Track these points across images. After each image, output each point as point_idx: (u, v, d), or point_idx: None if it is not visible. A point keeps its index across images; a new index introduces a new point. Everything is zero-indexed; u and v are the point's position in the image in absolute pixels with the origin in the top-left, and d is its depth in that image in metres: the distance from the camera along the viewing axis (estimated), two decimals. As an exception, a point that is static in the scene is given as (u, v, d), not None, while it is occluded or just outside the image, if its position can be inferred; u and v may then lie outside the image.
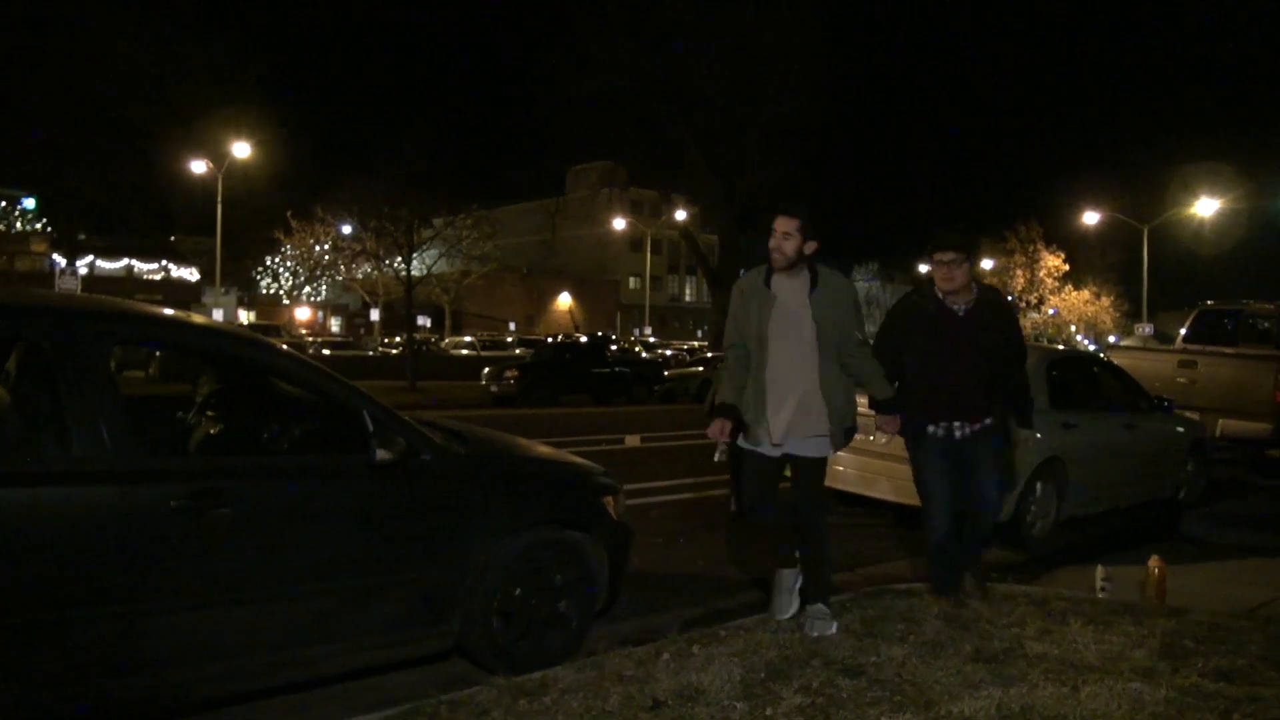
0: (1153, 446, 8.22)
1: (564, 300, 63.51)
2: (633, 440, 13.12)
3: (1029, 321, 57.58)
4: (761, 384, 4.10)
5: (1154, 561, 5.02)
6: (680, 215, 39.26)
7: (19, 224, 53.48)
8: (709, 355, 29.34)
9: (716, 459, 4.26)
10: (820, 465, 4.22)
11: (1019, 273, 57.57)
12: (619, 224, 50.52)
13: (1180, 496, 8.77)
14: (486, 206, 40.88)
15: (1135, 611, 4.54)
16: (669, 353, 36.64)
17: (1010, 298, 57.34)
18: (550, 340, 33.44)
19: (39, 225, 51.98)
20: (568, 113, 30.03)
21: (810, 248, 4.06)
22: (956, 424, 4.47)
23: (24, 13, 31.32)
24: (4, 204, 52.40)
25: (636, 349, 36.47)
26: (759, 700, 3.28)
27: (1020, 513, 6.70)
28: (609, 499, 4.38)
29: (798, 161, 30.57)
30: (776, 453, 4.14)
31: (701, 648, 3.85)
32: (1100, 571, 5.21)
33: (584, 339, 31.66)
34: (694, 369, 27.22)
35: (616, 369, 24.51)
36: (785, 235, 4.02)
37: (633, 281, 67.14)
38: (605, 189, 38.51)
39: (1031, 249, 57.79)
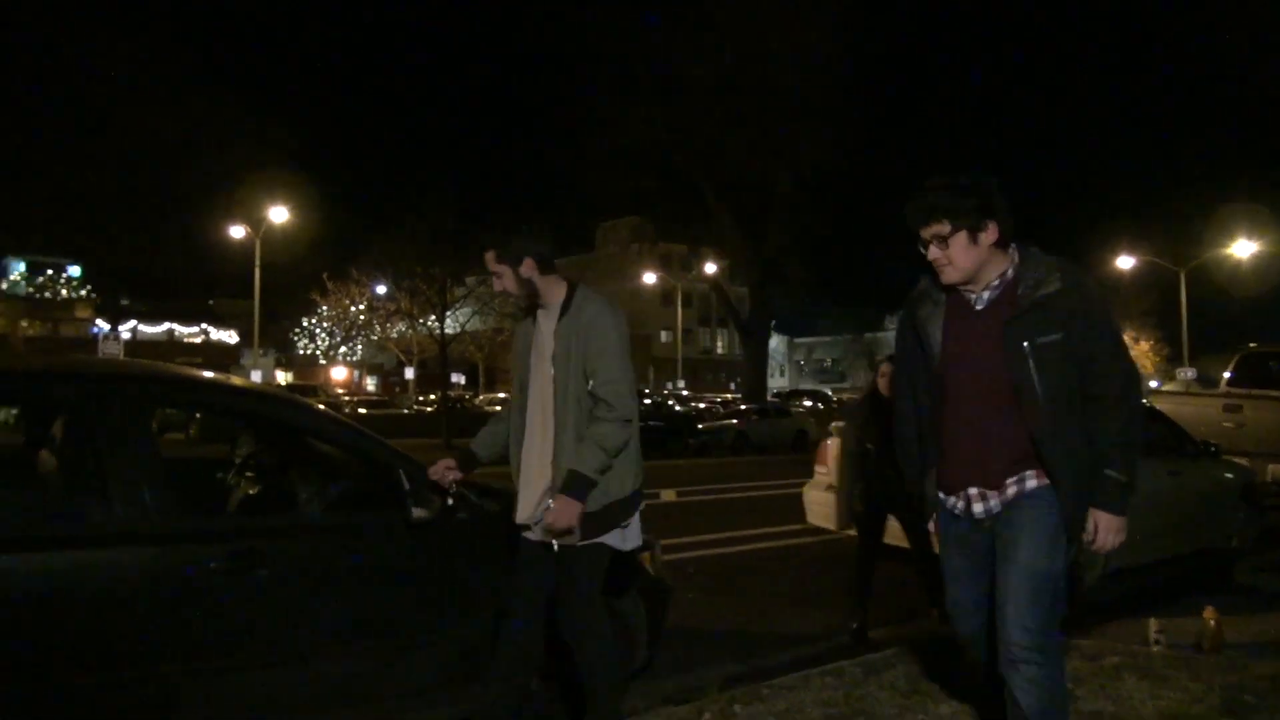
0: (1201, 493, 8.01)
1: (596, 355, 63.67)
2: (668, 494, 13.04)
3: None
4: (518, 444, 3.34)
5: (1209, 613, 4.86)
6: (710, 268, 39.46)
7: (64, 291, 54.94)
8: (743, 408, 29.21)
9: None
10: (576, 556, 3.18)
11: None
12: (649, 278, 50.85)
13: (1233, 544, 8.52)
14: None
15: (1192, 665, 4.39)
16: (702, 405, 36.55)
17: None
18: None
19: (84, 292, 53.38)
20: (593, 169, 30.48)
21: (528, 269, 3.18)
22: (974, 492, 2.80)
23: (67, 91, 32.52)
24: (51, 272, 53.91)
25: (670, 402, 36.41)
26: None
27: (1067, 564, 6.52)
28: (645, 556, 4.33)
29: (825, 211, 30.69)
30: (535, 536, 3.27)
31: (743, 707, 3.77)
32: (1153, 624, 5.05)
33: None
34: (728, 421, 27.10)
35: (650, 423, 24.44)
36: (496, 275, 3.26)
37: (664, 335, 67.33)
38: (634, 244, 38.92)
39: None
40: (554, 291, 3.21)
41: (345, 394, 46.66)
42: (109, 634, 2.90)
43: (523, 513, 3.27)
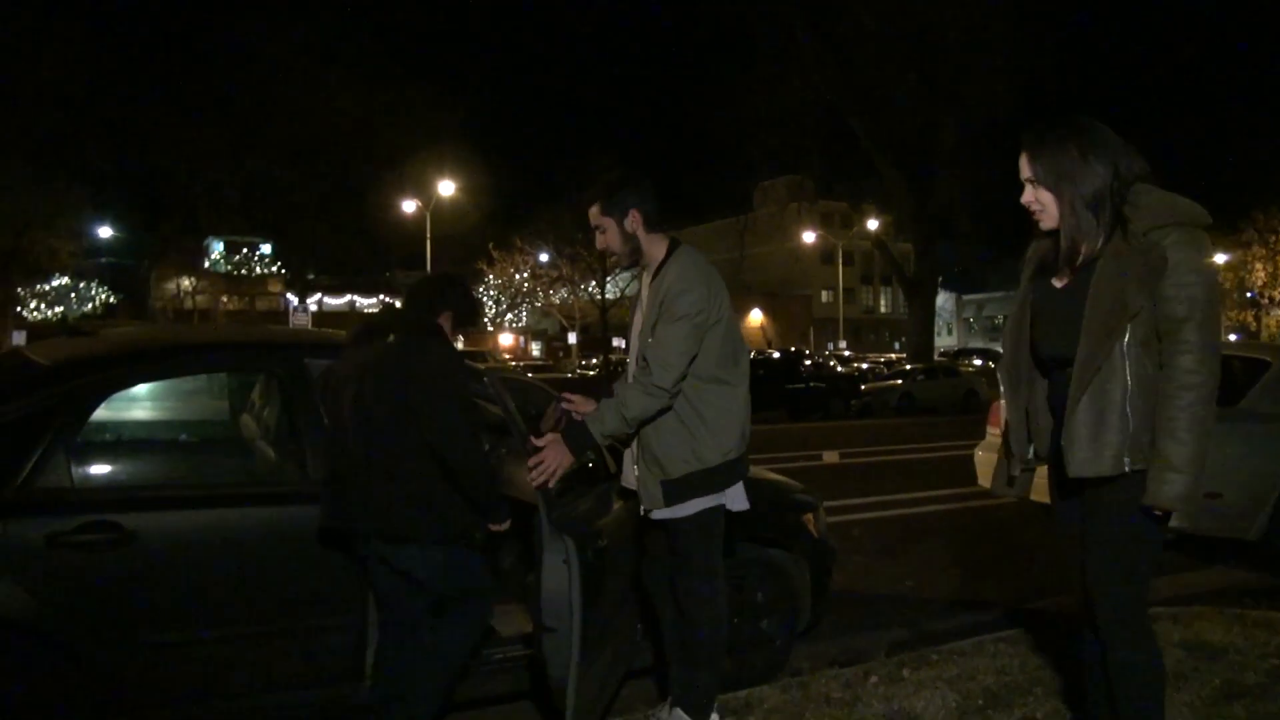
0: None
1: (755, 317, 63.28)
2: (831, 456, 12.86)
3: (1274, 320, 52.01)
4: None
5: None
6: (872, 225, 38.34)
7: (258, 268, 59.24)
8: (908, 367, 28.39)
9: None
10: (678, 526, 2.98)
11: (1258, 266, 52.12)
12: (808, 237, 49.88)
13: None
14: (675, 227, 41.27)
15: None
16: (865, 366, 35.72)
17: (1249, 294, 51.97)
18: (743, 357, 33.26)
19: (275, 268, 57.39)
20: (752, 130, 30.06)
21: (633, 222, 3.00)
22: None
23: (252, 79, 34.74)
24: (245, 250, 58.19)
25: (831, 363, 35.78)
26: (977, 728, 3.12)
27: (1274, 528, 6.04)
28: (809, 516, 4.31)
29: (996, 160, 29.16)
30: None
31: (912, 671, 3.71)
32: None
33: (777, 355, 31.38)
34: (893, 382, 26.41)
35: (811, 384, 24.15)
36: (599, 230, 3.07)
37: (825, 295, 66.03)
38: (793, 203, 38.16)
39: (1273, 239, 52.29)
40: (656, 249, 3.04)
41: (512, 359, 48.34)
42: (307, 583, 3.15)
43: (627, 479, 3.15)
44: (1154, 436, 2.34)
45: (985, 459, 7.91)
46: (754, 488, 4.34)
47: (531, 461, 2.89)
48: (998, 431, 7.96)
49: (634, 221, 2.99)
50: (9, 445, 2.84)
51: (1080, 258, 2.44)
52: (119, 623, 2.87)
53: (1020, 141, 2.52)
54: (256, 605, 3.08)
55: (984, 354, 40.96)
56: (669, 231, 3.12)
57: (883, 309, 72.94)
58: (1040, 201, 2.49)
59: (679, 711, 3.07)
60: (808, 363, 28.75)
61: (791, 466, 11.09)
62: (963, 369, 30.78)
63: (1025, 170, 2.50)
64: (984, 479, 7.97)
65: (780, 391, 22.94)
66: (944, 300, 64.44)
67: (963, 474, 8.49)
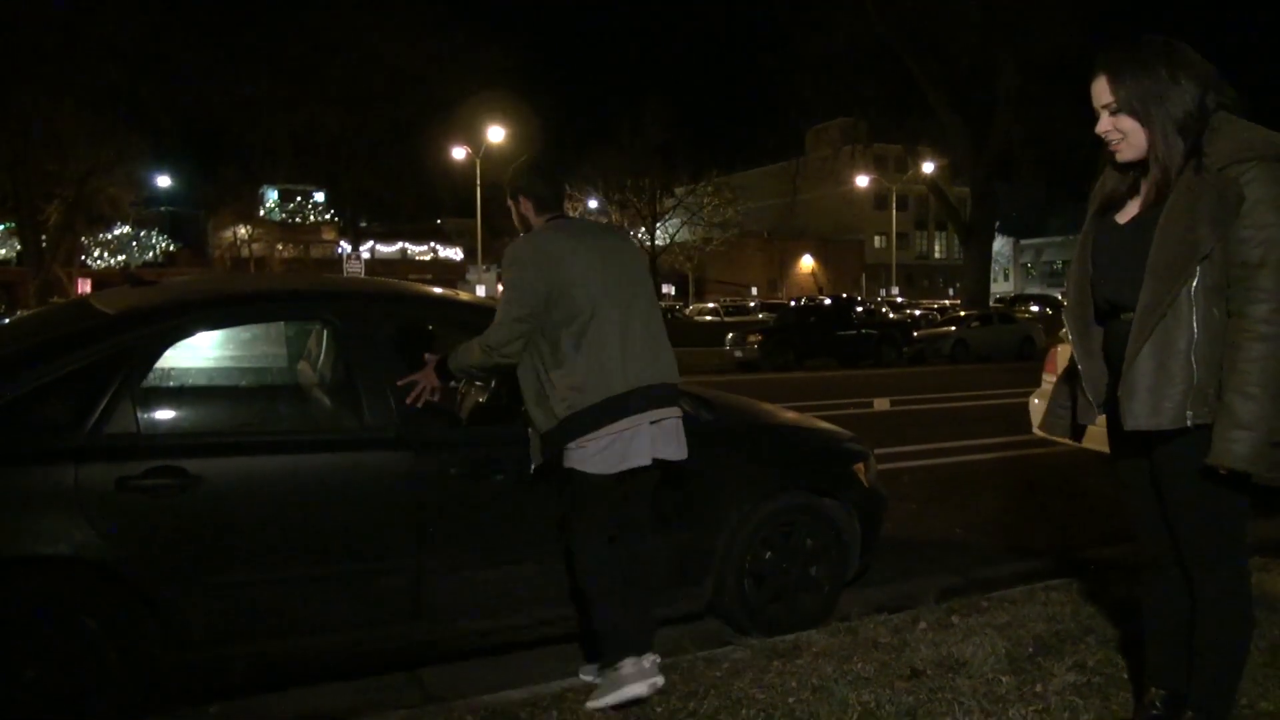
0: None
1: (807, 262, 62.64)
2: (881, 404, 12.77)
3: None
4: None
5: None
6: (928, 168, 37.50)
7: (312, 216, 59.94)
8: (962, 314, 27.93)
9: None
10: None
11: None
12: (862, 182, 48.96)
13: None
14: (726, 172, 41.05)
15: None
16: (918, 313, 35.23)
17: None
18: (793, 303, 33.11)
19: (328, 216, 58.04)
20: (806, 72, 29.45)
21: (525, 207, 3.36)
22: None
23: (304, 30, 34.78)
24: (300, 199, 58.87)
25: (883, 309, 35.36)
26: (1028, 675, 3.12)
27: None
28: (859, 465, 4.30)
29: (1059, 99, 28.20)
30: None
31: (961, 618, 3.71)
32: None
33: (828, 301, 31.11)
34: (945, 329, 26.03)
35: (863, 331, 23.90)
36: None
37: (878, 240, 64.99)
38: (846, 147, 37.46)
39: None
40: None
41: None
42: (361, 528, 3.24)
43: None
44: (1221, 390, 2.18)
45: (1040, 407, 7.79)
46: (803, 435, 4.37)
47: (402, 382, 3.31)
48: (1053, 378, 7.82)
49: (525, 206, 3.35)
50: (79, 393, 2.94)
51: (1155, 191, 2.25)
52: (184, 563, 2.98)
53: (1096, 65, 2.29)
54: (315, 548, 3.17)
55: (1041, 300, 40.12)
56: (572, 210, 3.39)
57: (937, 254, 71.65)
58: (1121, 129, 2.27)
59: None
60: (859, 309, 28.44)
61: (842, 414, 11.04)
62: (1019, 315, 30.22)
63: (1104, 96, 2.27)
64: (1038, 425, 7.86)
65: (831, 338, 22.76)
66: (1001, 245, 62.95)
67: (1016, 422, 8.38)
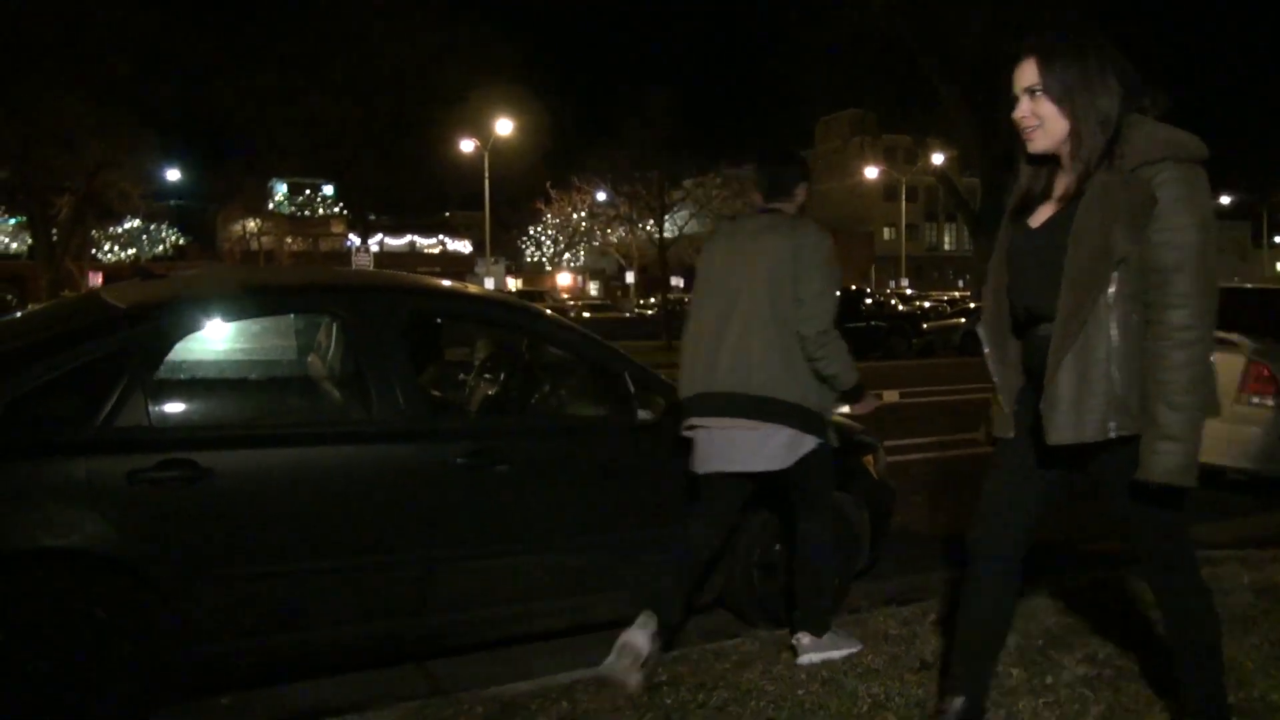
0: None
1: (815, 255, 62.34)
2: (890, 396, 12.71)
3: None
4: None
5: None
6: (937, 159, 37.34)
7: (321, 209, 60.02)
8: (972, 305, 27.84)
9: None
10: None
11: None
12: (871, 173, 48.79)
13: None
14: (735, 164, 40.94)
15: None
16: (927, 304, 35.11)
17: None
18: (802, 296, 32.89)
19: (337, 209, 58.13)
20: (813, 62, 29.33)
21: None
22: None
23: (309, 25, 34.80)
24: (309, 192, 58.94)
25: (892, 301, 35.24)
26: (1038, 668, 3.11)
27: None
28: (868, 457, 4.29)
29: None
30: None
31: (971, 611, 3.70)
32: None
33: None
34: (955, 320, 25.94)
35: (872, 323, 23.82)
36: None
37: (887, 232, 64.79)
38: (855, 138, 37.40)
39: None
40: None
41: (570, 298, 48.55)
42: (369, 520, 3.24)
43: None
44: (1146, 401, 2.09)
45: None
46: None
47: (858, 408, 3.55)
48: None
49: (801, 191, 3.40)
50: (90, 386, 2.94)
51: (1071, 188, 2.17)
52: (195, 556, 2.99)
53: (1024, 48, 2.21)
54: (323, 541, 3.18)
55: (1051, 291, 39.85)
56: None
57: (946, 246, 71.42)
58: (1040, 115, 2.19)
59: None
60: (869, 301, 28.35)
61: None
62: (1029, 307, 30.04)
63: (1029, 78, 2.18)
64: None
65: (840, 330, 22.65)
66: (1011, 236, 62.50)
67: (1027, 414, 8.35)
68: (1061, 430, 2.15)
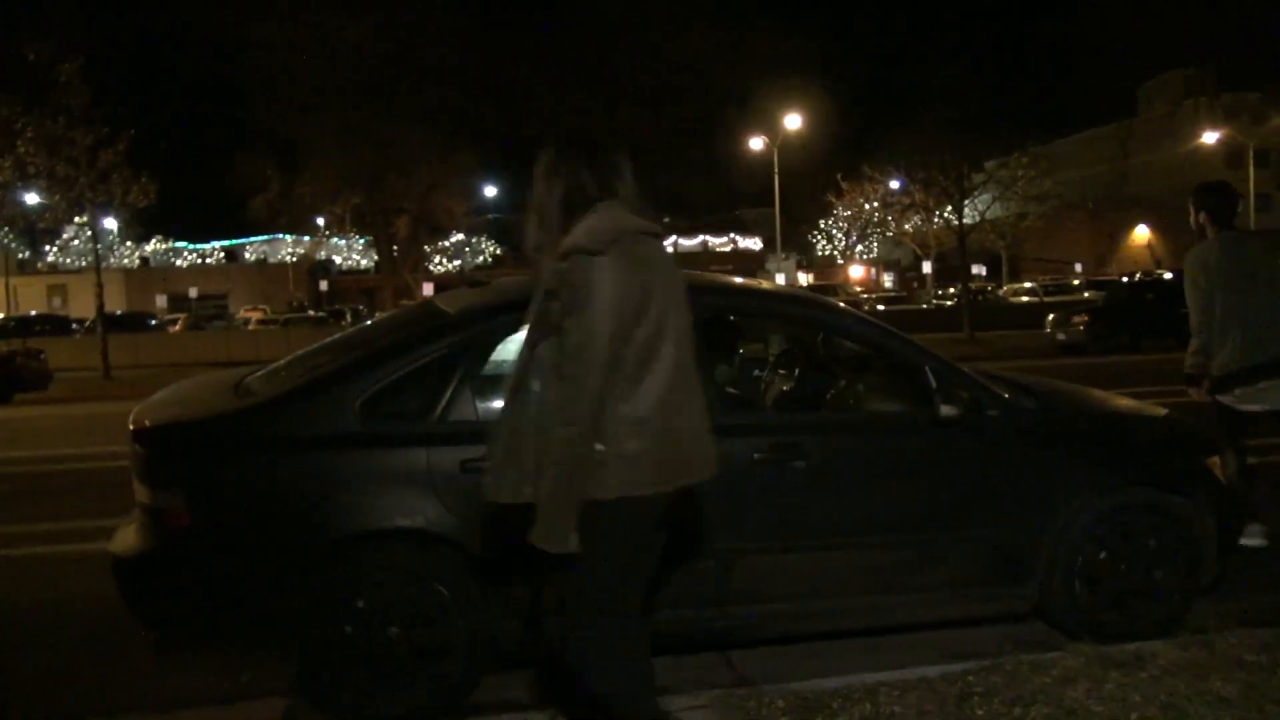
0: None
1: (1141, 234, 56.41)
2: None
3: None
4: None
5: None
6: (1294, 115, 32.45)
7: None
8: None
9: None
10: None
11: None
12: (1209, 138, 43.27)
13: None
14: (1041, 142, 38.03)
15: None
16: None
17: None
18: (1126, 280, 30.01)
19: (633, 214, 60.77)
20: (1132, 23, 26.55)
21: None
22: None
23: (603, 35, 36.83)
24: (608, 199, 62.19)
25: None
26: None
27: None
28: (1214, 460, 3.82)
29: None
30: None
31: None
32: None
33: (1168, 275, 27.85)
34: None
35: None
36: None
37: (1230, 204, 57.16)
38: (1189, 100, 33.33)
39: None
40: None
41: (863, 291, 47.39)
42: (678, 515, 3.34)
43: None
44: None
45: None
46: (1140, 424, 3.96)
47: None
48: None
49: (1203, 218, 4.94)
50: (428, 384, 3.29)
51: None
52: (504, 537, 3.23)
53: None
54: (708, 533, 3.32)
55: None
56: None
57: (1308, 216, 61.79)
58: None
59: None
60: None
61: (1185, 401, 9.77)
62: None
63: None
64: None
65: (1171, 317, 20.29)
66: (1394, 200, 52.96)
67: None
68: None
